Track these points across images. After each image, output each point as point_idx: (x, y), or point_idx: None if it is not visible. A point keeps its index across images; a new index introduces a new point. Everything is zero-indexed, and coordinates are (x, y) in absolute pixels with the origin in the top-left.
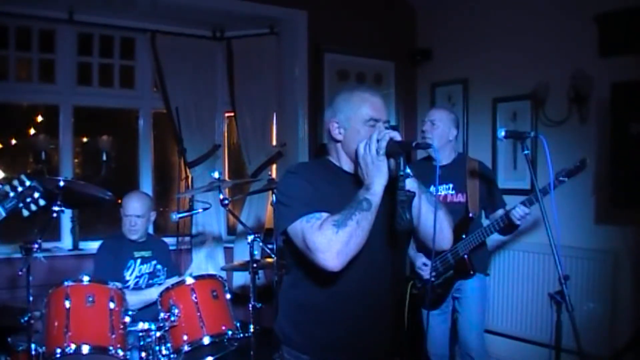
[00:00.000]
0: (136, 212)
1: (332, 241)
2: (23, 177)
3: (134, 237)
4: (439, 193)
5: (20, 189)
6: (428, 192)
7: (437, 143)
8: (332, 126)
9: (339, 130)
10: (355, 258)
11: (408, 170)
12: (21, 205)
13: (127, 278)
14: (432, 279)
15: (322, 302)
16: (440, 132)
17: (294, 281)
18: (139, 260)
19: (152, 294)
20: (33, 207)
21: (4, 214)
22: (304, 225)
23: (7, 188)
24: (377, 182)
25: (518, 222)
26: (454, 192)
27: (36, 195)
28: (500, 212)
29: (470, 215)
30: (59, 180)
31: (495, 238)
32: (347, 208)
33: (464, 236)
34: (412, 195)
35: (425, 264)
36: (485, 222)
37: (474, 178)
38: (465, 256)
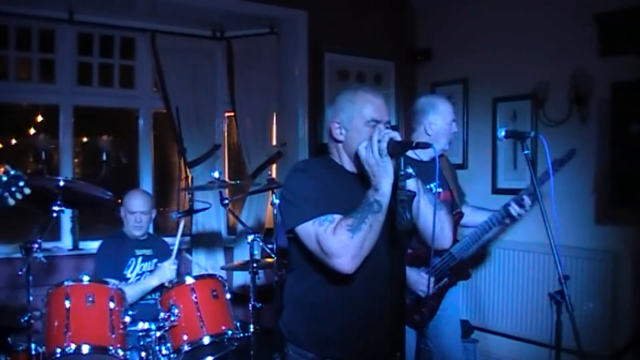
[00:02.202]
0: (141, 208)
1: (347, 246)
2: (7, 167)
3: (138, 233)
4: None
5: (4, 178)
6: (429, 192)
7: None
8: (334, 126)
9: (340, 131)
10: None
11: (410, 170)
12: (6, 194)
13: (128, 276)
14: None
15: (326, 300)
16: None
17: (298, 279)
18: (140, 258)
19: (151, 281)
20: (18, 196)
21: None
22: (317, 229)
23: None
24: (385, 183)
25: (518, 218)
26: (441, 189)
27: (21, 183)
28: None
29: (462, 211)
30: (59, 180)
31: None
32: (359, 211)
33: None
34: (412, 195)
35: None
36: None
37: (448, 171)
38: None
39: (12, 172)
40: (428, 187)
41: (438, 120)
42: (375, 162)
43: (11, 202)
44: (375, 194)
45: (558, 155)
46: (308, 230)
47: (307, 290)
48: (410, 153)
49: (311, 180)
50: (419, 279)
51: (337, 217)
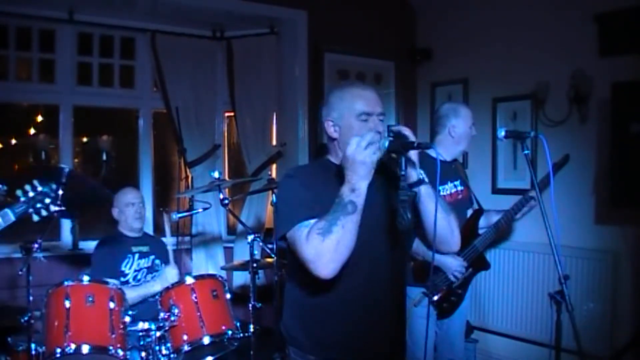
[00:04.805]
0: (137, 199)
1: (319, 251)
2: (35, 182)
3: (139, 225)
4: (455, 190)
5: (31, 194)
6: (441, 197)
7: None
8: (328, 124)
9: (334, 128)
10: (357, 258)
11: (423, 177)
12: (31, 210)
13: (127, 272)
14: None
15: (326, 302)
16: None
17: (297, 282)
18: (137, 255)
19: (154, 287)
20: (43, 213)
21: (13, 219)
22: (295, 234)
23: (19, 192)
24: (364, 184)
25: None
26: (462, 187)
27: (47, 200)
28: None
29: (482, 208)
30: (63, 175)
31: None
32: (331, 213)
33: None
34: (413, 195)
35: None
36: None
37: (461, 171)
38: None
39: (40, 188)
40: (452, 184)
41: (460, 124)
42: (362, 160)
43: (35, 218)
44: (351, 194)
45: (556, 156)
46: (291, 236)
47: (306, 293)
48: (432, 153)
49: (297, 186)
50: (454, 262)
51: (313, 221)
